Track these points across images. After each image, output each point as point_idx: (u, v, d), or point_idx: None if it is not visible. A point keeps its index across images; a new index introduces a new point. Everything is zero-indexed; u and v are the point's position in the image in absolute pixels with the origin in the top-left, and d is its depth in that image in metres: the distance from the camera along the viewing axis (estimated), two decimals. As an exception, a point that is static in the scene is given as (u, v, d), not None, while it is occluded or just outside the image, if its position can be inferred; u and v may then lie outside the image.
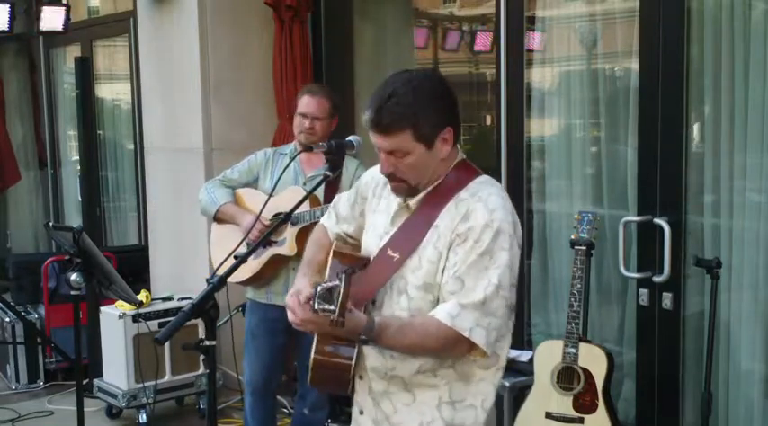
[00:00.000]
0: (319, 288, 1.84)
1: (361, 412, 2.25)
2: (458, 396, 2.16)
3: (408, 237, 2.14)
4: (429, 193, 2.15)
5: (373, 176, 2.32)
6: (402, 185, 2.14)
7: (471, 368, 2.15)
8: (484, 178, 2.19)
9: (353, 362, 2.11)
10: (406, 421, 2.17)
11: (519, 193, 4.20)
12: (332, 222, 2.44)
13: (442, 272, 2.08)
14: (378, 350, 2.13)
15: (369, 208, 2.31)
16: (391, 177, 2.13)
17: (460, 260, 2.05)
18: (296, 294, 2.09)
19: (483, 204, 2.08)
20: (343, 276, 1.79)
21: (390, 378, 2.16)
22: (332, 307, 1.80)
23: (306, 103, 3.80)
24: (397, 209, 2.19)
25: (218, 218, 3.88)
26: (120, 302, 4.72)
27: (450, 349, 2.08)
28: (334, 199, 2.52)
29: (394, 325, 2.04)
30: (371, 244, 2.23)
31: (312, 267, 2.33)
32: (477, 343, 2.04)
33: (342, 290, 1.79)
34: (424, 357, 2.12)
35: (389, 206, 2.23)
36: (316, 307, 1.83)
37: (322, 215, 3.47)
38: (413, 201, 2.17)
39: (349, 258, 2.15)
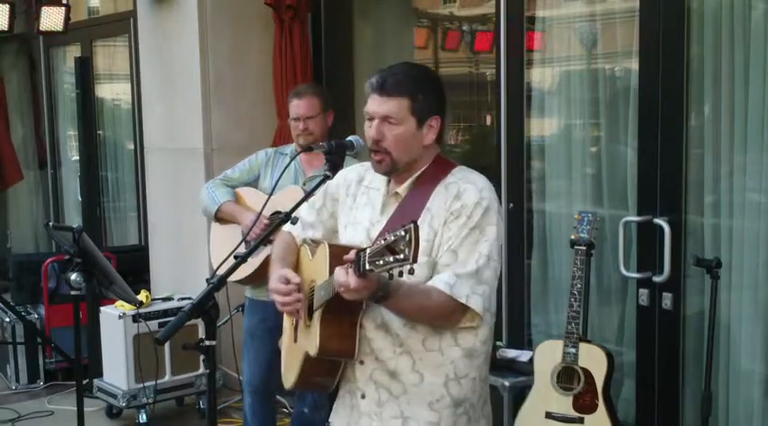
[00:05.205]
0: (369, 251, 1.92)
1: (363, 396, 2.31)
2: (462, 372, 2.27)
3: (404, 221, 2.20)
4: (415, 181, 2.30)
5: (345, 177, 2.44)
6: (385, 158, 2.26)
7: (474, 343, 2.26)
8: (462, 167, 2.35)
9: (357, 347, 2.21)
10: (416, 401, 2.26)
11: (519, 193, 4.19)
12: (297, 229, 2.52)
13: (438, 248, 2.21)
14: (385, 329, 2.23)
15: (343, 208, 2.42)
16: (376, 146, 2.25)
17: (454, 234, 2.21)
18: (284, 278, 2.24)
19: (472, 185, 2.26)
20: (411, 226, 1.85)
21: (400, 355, 2.24)
22: (401, 256, 1.85)
23: (295, 106, 3.81)
24: (385, 199, 2.32)
25: (218, 217, 3.88)
26: (120, 302, 4.72)
27: (445, 316, 2.21)
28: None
29: (405, 285, 2.12)
30: (357, 238, 2.32)
31: (286, 264, 2.40)
32: (475, 310, 2.19)
33: (413, 238, 1.84)
34: (423, 324, 2.22)
35: (373, 199, 2.35)
36: (372, 265, 1.89)
37: None
38: (401, 188, 2.30)
39: (344, 249, 2.15)
